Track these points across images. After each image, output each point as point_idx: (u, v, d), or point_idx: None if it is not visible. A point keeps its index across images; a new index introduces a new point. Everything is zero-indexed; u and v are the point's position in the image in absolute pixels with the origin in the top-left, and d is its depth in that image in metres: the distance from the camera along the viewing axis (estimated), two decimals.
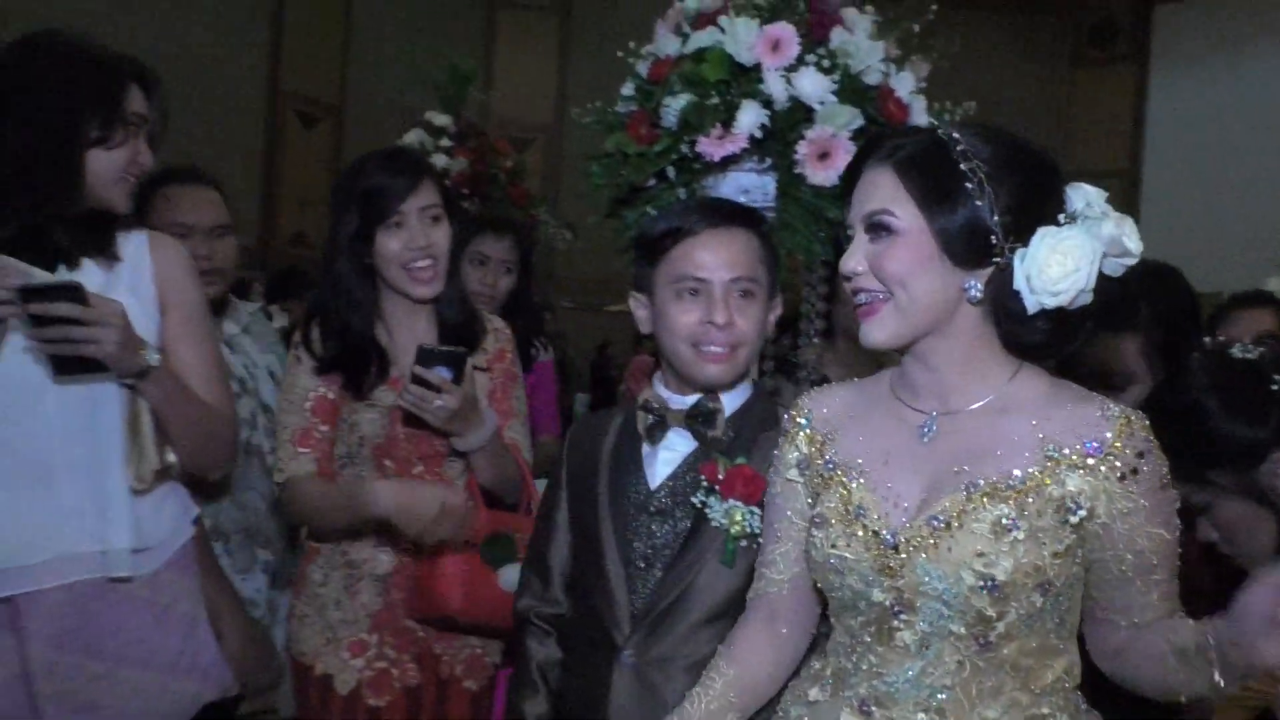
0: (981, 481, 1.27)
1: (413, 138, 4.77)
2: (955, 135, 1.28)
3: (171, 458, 1.79)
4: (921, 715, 1.29)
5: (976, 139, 1.28)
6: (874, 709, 1.32)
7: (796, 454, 1.45)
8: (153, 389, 1.73)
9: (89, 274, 1.73)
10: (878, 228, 1.30)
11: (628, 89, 2.25)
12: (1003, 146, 1.28)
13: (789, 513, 1.46)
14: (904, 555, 1.28)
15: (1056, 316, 1.26)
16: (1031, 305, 1.25)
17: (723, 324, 1.64)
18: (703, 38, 2.15)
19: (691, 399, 1.70)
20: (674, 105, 2.14)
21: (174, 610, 1.81)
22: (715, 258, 1.65)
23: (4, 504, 1.69)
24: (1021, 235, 1.25)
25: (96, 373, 1.68)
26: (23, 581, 1.67)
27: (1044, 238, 1.24)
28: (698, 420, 1.69)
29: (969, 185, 1.25)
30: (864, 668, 1.34)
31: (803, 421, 1.46)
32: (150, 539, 1.77)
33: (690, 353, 1.66)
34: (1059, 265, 1.22)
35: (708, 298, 1.65)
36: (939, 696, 1.28)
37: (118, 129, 1.74)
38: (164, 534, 1.81)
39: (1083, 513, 1.25)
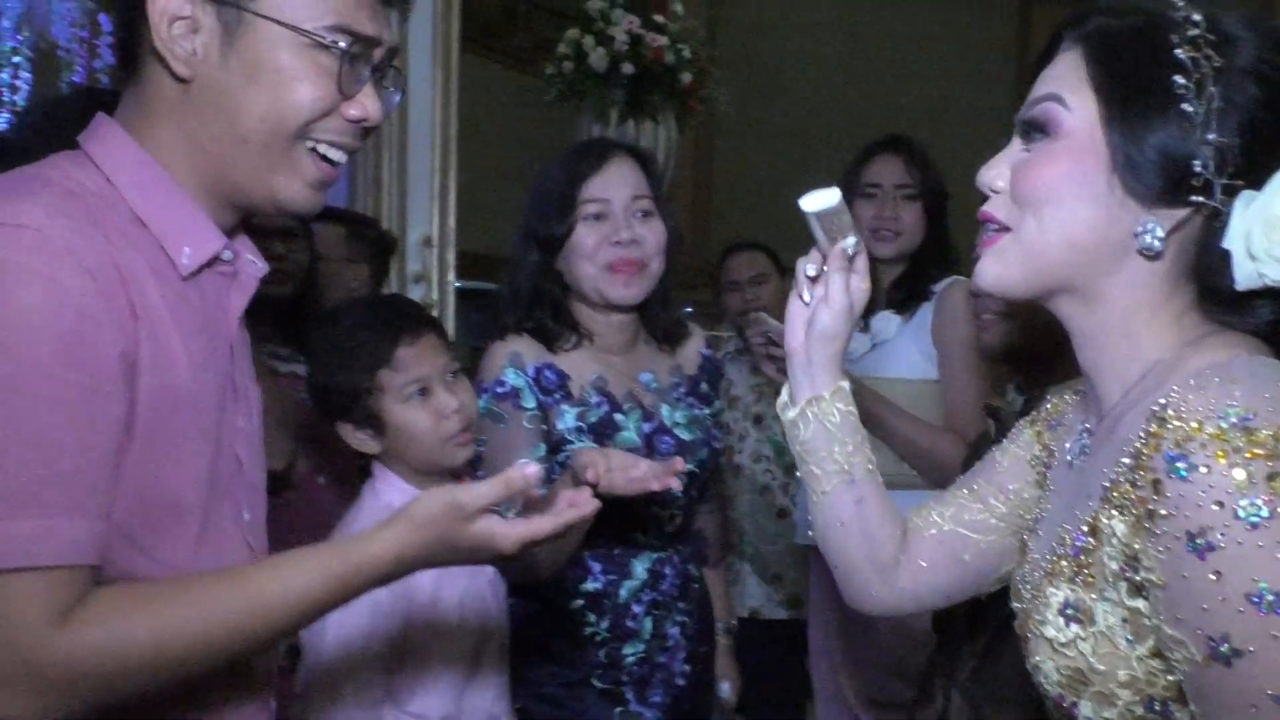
0: (1056, 543, 0.89)
1: None
2: (1195, 18, 0.85)
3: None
4: None
5: (1228, 23, 0.85)
6: None
7: (1032, 441, 1.08)
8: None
9: (887, 321, 2.15)
10: (1035, 126, 0.90)
11: None
12: (1266, 40, 0.85)
13: (1009, 484, 1.07)
14: (1026, 635, 0.93)
15: None
16: (1242, 278, 0.83)
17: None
18: None
19: None
20: None
21: None
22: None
23: None
24: (1251, 172, 0.83)
25: None
26: None
27: None
28: None
29: (1178, 81, 0.83)
30: None
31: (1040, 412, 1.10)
32: None
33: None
34: None
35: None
36: None
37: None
38: None
39: (1135, 578, 0.80)
